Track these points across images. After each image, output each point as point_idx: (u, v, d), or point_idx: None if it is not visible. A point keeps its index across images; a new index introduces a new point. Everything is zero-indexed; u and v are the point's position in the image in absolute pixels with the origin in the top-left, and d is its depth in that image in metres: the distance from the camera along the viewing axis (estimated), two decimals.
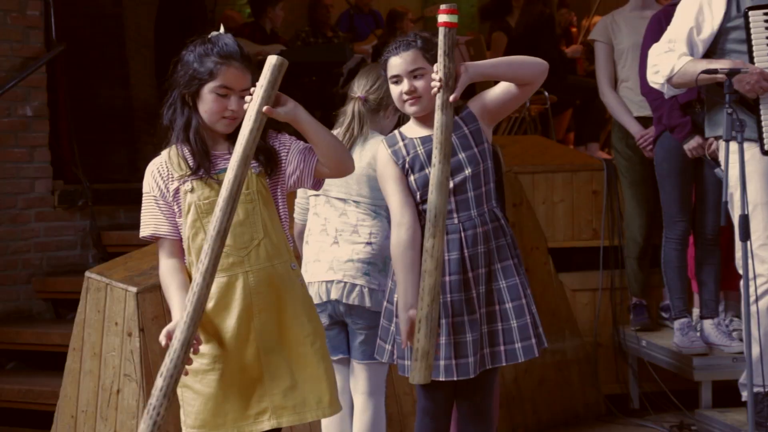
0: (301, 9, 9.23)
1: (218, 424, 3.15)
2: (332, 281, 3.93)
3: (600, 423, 5.70)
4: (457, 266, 3.48)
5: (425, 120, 3.54)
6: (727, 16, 4.42)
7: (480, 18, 10.68)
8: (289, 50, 7.83)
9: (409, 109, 3.53)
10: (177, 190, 3.18)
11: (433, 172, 3.35)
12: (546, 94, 7.74)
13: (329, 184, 3.96)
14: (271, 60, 3.06)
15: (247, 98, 3.07)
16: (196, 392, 3.17)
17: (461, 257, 3.48)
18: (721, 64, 4.29)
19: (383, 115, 4.04)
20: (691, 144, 5.13)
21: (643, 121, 5.69)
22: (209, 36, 3.20)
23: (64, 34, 6.46)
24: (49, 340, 5.54)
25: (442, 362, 3.47)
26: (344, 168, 3.24)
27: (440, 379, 3.48)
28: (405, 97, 3.50)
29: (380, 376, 4.01)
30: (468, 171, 3.49)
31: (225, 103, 3.14)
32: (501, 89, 3.53)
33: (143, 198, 3.24)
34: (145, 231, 3.23)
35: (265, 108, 3.03)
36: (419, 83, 3.49)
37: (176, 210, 3.20)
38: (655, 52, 4.53)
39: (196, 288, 3.01)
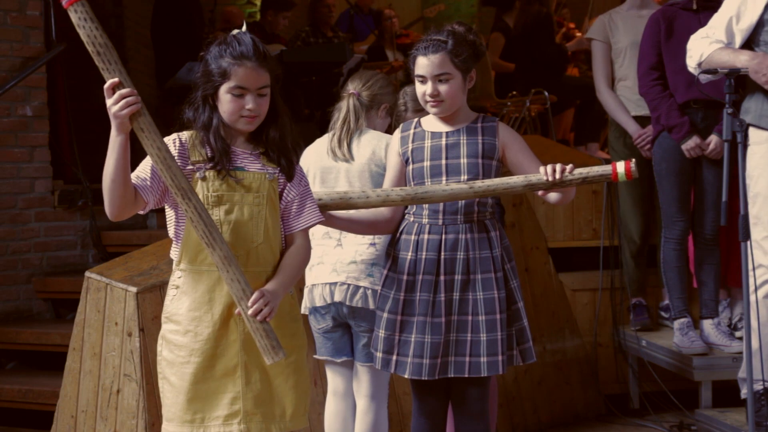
0: (301, 9, 9.23)
1: (185, 420, 3.14)
2: (336, 283, 3.93)
3: (600, 423, 5.70)
4: (431, 266, 3.50)
5: (445, 118, 3.56)
6: (767, 8, 4.44)
7: (482, 1, 10.71)
8: (289, 50, 7.82)
9: (430, 110, 3.57)
10: (188, 174, 3.16)
11: (458, 185, 3.42)
12: (546, 94, 7.74)
13: (332, 185, 3.98)
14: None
15: None
16: (171, 384, 3.17)
17: (437, 259, 3.49)
18: (744, 55, 4.34)
19: (375, 114, 4.08)
20: (689, 144, 5.13)
21: (641, 121, 5.70)
22: (227, 36, 3.21)
23: (64, 34, 6.45)
24: (49, 340, 5.53)
25: (397, 357, 3.50)
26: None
27: (389, 371, 3.56)
28: (427, 98, 3.53)
29: (383, 379, 4.00)
30: (464, 177, 3.49)
31: (241, 103, 3.15)
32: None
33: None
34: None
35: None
36: (443, 87, 3.51)
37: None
38: (693, 37, 4.60)
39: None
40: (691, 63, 4.57)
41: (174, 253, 3.24)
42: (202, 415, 3.14)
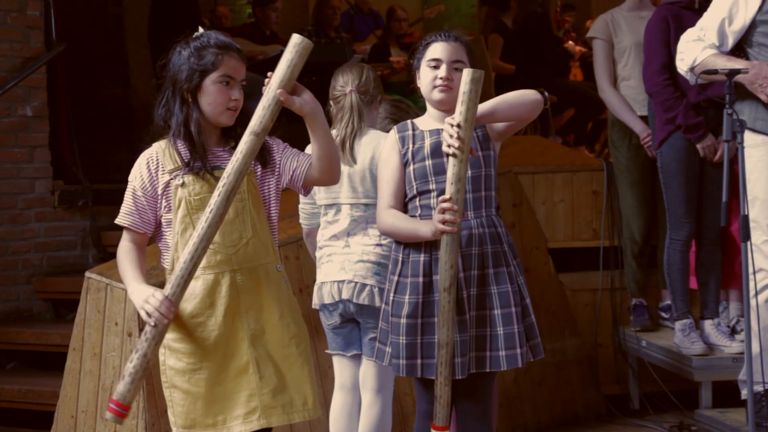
0: (301, 9, 9.23)
1: (208, 424, 3.16)
2: (343, 281, 3.98)
3: (600, 423, 5.70)
4: None
5: (442, 113, 3.56)
6: (761, 9, 4.43)
7: (480, 2, 10.73)
8: None
9: (438, 95, 3.56)
10: (167, 184, 3.17)
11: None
12: (546, 94, 7.73)
13: (337, 191, 3.99)
14: (294, 39, 3.04)
15: (265, 81, 3.06)
16: (184, 392, 3.17)
17: None
18: (740, 63, 4.33)
19: (373, 107, 4.12)
20: (706, 143, 5.13)
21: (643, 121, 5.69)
22: (196, 34, 3.21)
23: (64, 34, 6.46)
24: (49, 340, 5.54)
25: (422, 361, 3.48)
26: (334, 176, 3.25)
27: (416, 376, 3.50)
28: (439, 82, 3.54)
29: (389, 373, 4.01)
30: (468, 172, 3.49)
31: (229, 93, 3.16)
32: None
33: (127, 186, 3.23)
34: (118, 219, 3.24)
35: (279, 91, 3.03)
36: (456, 75, 3.52)
37: (164, 204, 3.18)
38: (685, 38, 4.58)
39: (182, 267, 3.05)
40: (683, 66, 4.57)
41: (165, 261, 3.24)
42: (223, 417, 3.16)
